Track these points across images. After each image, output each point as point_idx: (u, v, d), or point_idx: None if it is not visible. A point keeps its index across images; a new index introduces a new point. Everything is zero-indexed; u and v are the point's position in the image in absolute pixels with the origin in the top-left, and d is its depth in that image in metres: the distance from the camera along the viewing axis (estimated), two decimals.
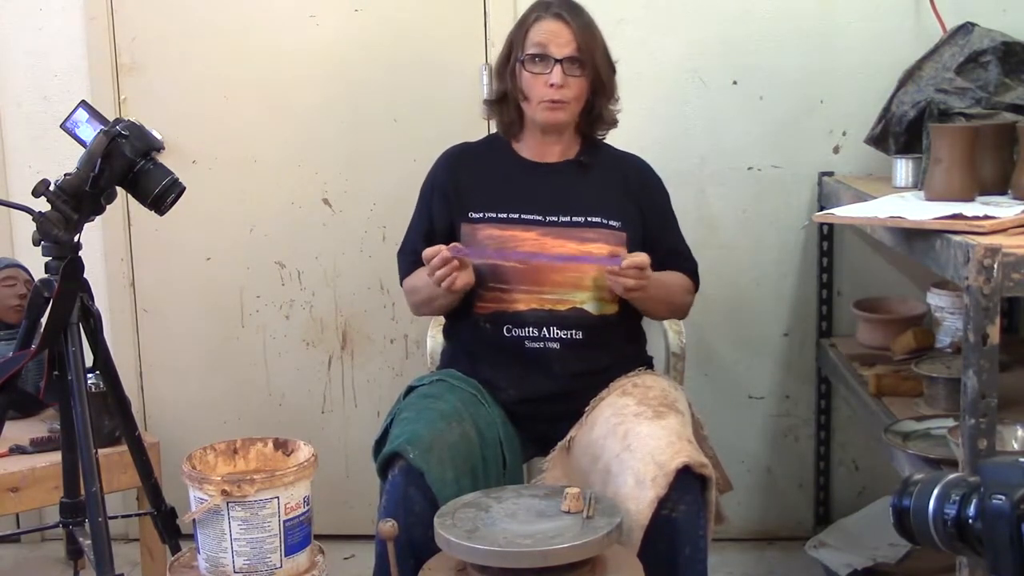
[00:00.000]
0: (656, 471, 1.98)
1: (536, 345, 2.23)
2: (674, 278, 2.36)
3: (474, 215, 2.30)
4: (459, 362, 2.35)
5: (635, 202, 2.33)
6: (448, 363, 2.40)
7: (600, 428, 2.15)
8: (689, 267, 2.41)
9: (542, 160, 2.35)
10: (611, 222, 2.28)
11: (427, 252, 2.18)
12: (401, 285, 2.44)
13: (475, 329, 2.28)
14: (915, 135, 2.51)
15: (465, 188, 2.34)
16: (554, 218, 2.28)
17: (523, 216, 2.28)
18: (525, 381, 2.25)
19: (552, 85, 2.23)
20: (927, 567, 2.61)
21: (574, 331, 2.24)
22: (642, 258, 2.16)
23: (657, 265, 2.27)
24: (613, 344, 2.28)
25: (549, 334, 2.24)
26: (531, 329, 2.24)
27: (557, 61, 2.23)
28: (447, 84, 2.98)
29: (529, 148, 2.37)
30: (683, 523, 1.99)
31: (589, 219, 2.28)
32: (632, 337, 2.38)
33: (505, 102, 2.34)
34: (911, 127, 2.52)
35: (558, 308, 2.24)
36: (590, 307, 2.25)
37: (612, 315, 2.28)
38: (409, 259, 2.40)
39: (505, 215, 2.29)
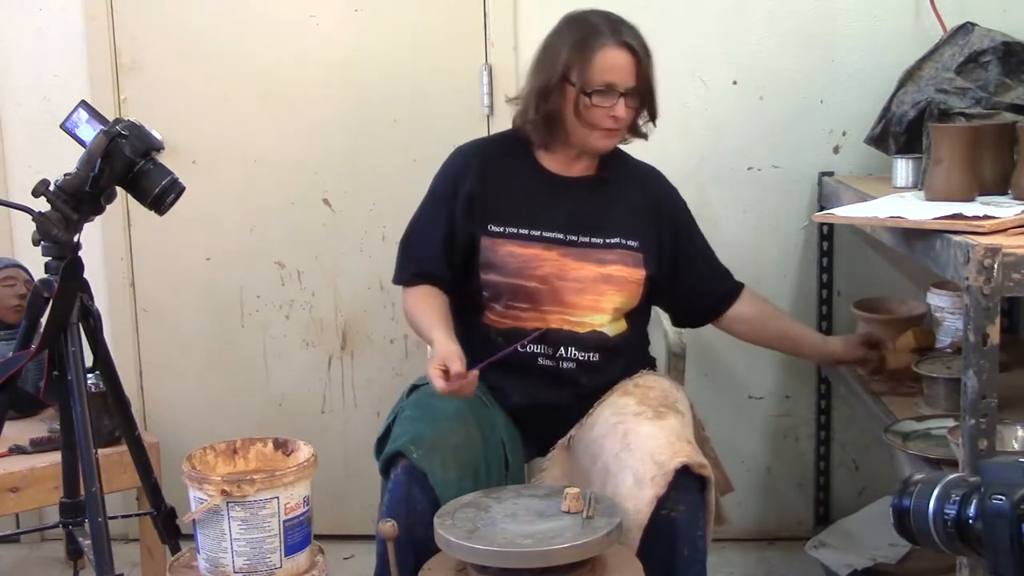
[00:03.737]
0: (655, 471, 1.97)
1: (548, 363, 2.22)
2: (777, 313, 2.50)
3: (494, 228, 2.24)
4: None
5: (651, 217, 2.31)
6: None
7: (600, 427, 2.14)
8: (732, 282, 2.42)
9: (565, 174, 2.29)
10: (630, 242, 2.26)
11: (439, 378, 2.01)
12: (397, 281, 2.35)
13: (485, 341, 2.24)
14: (915, 135, 2.51)
15: (490, 196, 2.26)
16: (575, 237, 2.24)
17: (544, 234, 2.23)
18: (534, 393, 2.23)
19: (614, 117, 2.19)
20: (927, 567, 2.60)
21: (592, 353, 2.22)
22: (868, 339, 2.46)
23: (698, 284, 2.36)
24: (625, 359, 2.27)
25: (566, 353, 2.22)
26: (547, 348, 2.22)
27: (621, 94, 2.18)
28: (447, 84, 2.98)
29: (554, 160, 2.30)
30: (682, 523, 1.99)
31: (608, 240, 2.24)
32: (641, 347, 2.38)
33: (545, 117, 2.23)
34: (911, 127, 2.52)
35: (578, 330, 2.22)
36: (607, 329, 2.24)
37: (624, 333, 2.27)
38: (414, 266, 2.30)
39: (527, 231, 2.23)
